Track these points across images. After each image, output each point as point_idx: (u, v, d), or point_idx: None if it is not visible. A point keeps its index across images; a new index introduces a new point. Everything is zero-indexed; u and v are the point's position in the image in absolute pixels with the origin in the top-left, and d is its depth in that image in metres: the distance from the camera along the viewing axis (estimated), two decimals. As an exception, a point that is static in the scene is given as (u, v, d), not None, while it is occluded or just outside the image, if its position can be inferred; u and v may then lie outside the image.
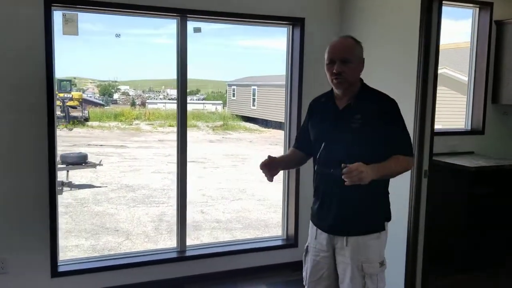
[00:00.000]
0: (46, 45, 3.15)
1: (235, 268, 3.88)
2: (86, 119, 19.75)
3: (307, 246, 2.45)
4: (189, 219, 6.68)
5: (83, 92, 28.01)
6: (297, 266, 3.87)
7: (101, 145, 14.55)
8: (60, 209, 7.37)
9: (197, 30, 3.80)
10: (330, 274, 2.35)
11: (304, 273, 2.46)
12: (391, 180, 2.92)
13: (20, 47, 3.13)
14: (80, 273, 3.50)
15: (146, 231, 6.39)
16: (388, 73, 3.47)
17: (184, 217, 3.87)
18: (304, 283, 2.44)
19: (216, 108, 25.97)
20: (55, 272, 3.37)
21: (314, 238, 2.40)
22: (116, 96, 30.76)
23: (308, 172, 2.49)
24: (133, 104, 27.76)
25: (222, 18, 3.72)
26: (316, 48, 3.81)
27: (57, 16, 3.37)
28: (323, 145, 2.27)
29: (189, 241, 5.28)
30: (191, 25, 3.67)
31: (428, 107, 3.15)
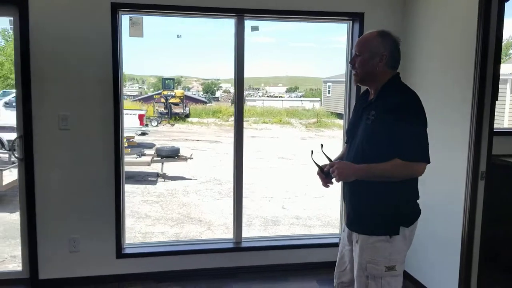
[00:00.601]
0: (113, 46, 3.47)
1: (289, 262, 3.93)
2: (187, 116, 20.87)
3: (340, 238, 2.50)
4: (269, 214, 6.92)
5: (188, 90, 29.56)
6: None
7: (197, 140, 15.29)
8: (152, 198, 8.03)
9: (255, 28, 3.90)
10: (352, 268, 2.35)
11: None
12: (444, 182, 2.83)
13: (90, 48, 3.47)
14: (143, 256, 3.79)
15: (226, 223, 6.64)
16: (446, 70, 3.31)
17: (240, 211, 3.99)
18: (335, 272, 2.49)
19: (313, 106, 25.90)
20: (119, 253, 3.70)
21: (343, 231, 2.46)
22: (218, 93, 31.95)
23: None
24: (233, 101, 28.66)
25: (279, 16, 3.78)
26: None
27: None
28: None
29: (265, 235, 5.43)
30: (248, 24, 3.80)
31: (486, 105, 2.94)
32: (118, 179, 3.63)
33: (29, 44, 3.34)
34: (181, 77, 30.57)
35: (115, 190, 3.63)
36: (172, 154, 10.05)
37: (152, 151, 10.22)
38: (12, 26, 3.35)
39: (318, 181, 2.34)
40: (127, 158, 9.34)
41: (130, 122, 12.99)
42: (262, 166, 10.68)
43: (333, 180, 2.21)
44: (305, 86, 34.23)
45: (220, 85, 33.26)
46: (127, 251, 3.78)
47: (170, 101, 20.00)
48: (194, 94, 29.32)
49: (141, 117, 13.33)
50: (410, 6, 3.77)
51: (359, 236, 2.25)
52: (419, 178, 2.23)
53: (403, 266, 2.24)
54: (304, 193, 8.69)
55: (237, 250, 3.94)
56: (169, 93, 20.31)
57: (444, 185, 3.31)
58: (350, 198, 2.30)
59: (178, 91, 21.15)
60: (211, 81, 32.84)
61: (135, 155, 9.58)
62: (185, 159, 10.21)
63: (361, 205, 2.26)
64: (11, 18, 3.37)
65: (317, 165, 2.31)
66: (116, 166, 3.61)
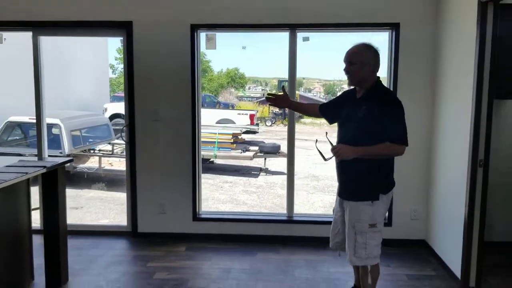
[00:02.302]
0: (192, 57, 4.53)
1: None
2: (301, 116, 21.71)
3: (333, 208, 3.20)
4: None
5: (309, 91, 30.32)
6: (388, 242, 4.40)
7: (305, 140, 16.07)
8: (252, 189, 9.04)
9: (306, 39, 4.65)
10: (343, 230, 3.04)
11: None
12: (447, 169, 3.80)
13: (175, 58, 4.56)
14: (214, 221, 4.81)
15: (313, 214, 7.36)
16: (461, 76, 3.76)
17: (291, 193, 4.85)
18: (330, 235, 3.20)
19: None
20: (195, 217, 4.75)
21: (335, 201, 3.15)
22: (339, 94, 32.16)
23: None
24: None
25: (327, 28, 4.52)
26: (410, 51, 4.34)
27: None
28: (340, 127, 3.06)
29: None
30: (300, 35, 4.60)
31: (484, 96, 3.39)
32: (194, 161, 4.68)
33: (133, 56, 4.55)
34: (303, 78, 31.44)
35: (192, 170, 4.69)
36: (273, 151, 10.93)
37: (256, 148, 11.24)
38: (122, 44, 4.60)
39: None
40: (232, 152, 10.55)
41: (241, 121, 14.29)
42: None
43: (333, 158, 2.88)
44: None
45: (342, 86, 33.51)
46: (202, 216, 4.82)
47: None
48: (315, 96, 29.98)
49: (251, 117, 14.56)
50: (442, 18, 4.23)
51: (349, 202, 2.95)
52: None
53: (382, 224, 2.92)
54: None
55: (289, 222, 4.77)
56: (284, 94, 21.26)
57: (445, 172, 3.86)
58: (342, 174, 3.00)
59: (293, 93, 21.99)
60: (333, 82, 33.26)
61: (239, 150, 10.67)
62: (285, 155, 11.06)
63: (350, 179, 2.95)
64: (121, 38, 4.62)
65: (320, 152, 2.99)
66: (193, 151, 4.67)
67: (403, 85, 4.39)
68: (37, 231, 4.07)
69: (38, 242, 3.86)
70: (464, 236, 3.57)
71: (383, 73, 4.50)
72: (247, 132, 13.43)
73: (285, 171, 10.49)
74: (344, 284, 3.70)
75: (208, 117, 14.68)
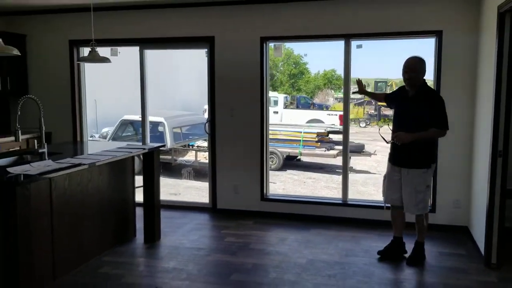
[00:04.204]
0: (261, 64, 5.44)
1: (387, 219, 4.76)
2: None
3: (385, 175, 4.30)
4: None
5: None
6: (430, 227, 4.80)
7: (392, 141, 16.10)
8: (333, 185, 9.72)
9: (359, 46, 5.33)
10: (400, 189, 4.14)
11: (382, 189, 4.32)
12: (481, 161, 4.48)
13: (247, 66, 5.51)
14: (278, 201, 5.68)
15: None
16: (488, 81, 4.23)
17: (346, 181, 5.54)
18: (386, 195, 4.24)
19: None
20: (263, 197, 5.66)
21: (387, 169, 4.24)
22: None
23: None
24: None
25: (378, 37, 5.16)
26: (452, 55, 4.83)
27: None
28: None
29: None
30: (354, 43, 5.30)
31: (503, 95, 3.85)
32: (262, 151, 5.59)
33: (214, 65, 5.59)
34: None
35: (260, 158, 5.60)
36: (357, 150, 11.33)
37: (341, 147, 11.67)
38: (206, 55, 5.66)
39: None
40: (317, 150, 11.19)
41: (330, 121, 14.81)
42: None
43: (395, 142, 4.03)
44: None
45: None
46: (269, 197, 5.72)
47: (379, 103, 21.03)
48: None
49: (340, 117, 15.00)
50: (479, 26, 4.69)
51: (411, 170, 4.03)
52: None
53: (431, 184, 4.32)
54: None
55: (343, 205, 5.47)
56: (380, 95, 21.30)
57: (472, 161, 4.54)
58: (406, 150, 4.01)
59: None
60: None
61: (324, 149, 11.27)
62: (369, 154, 11.49)
63: (413, 154, 3.97)
64: (206, 50, 5.68)
65: (382, 137, 4.17)
66: (261, 143, 5.58)
67: (446, 86, 4.89)
68: (138, 204, 5.22)
69: (138, 212, 5.00)
70: (486, 219, 4.04)
71: (429, 75, 5.07)
72: (336, 132, 13.83)
73: (371, 170, 11.07)
74: (379, 255, 4.35)
75: (299, 117, 15.48)
